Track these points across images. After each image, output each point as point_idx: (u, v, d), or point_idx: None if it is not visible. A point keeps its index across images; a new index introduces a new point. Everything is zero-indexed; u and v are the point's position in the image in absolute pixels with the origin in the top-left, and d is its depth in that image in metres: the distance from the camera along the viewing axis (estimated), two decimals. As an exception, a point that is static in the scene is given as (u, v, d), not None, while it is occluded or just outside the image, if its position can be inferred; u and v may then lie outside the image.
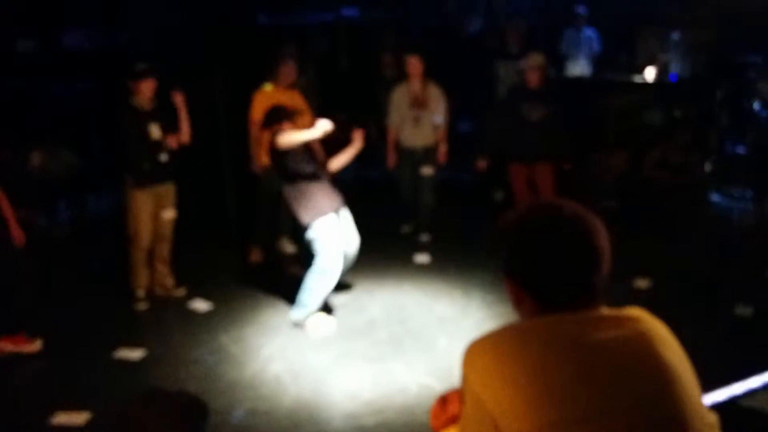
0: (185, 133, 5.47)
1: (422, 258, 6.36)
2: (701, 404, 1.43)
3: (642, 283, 5.63)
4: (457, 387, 1.58)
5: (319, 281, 4.81)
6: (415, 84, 6.46)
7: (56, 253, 6.37)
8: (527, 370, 1.35)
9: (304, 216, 4.80)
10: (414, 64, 6.39)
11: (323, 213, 4.80)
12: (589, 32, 9.23)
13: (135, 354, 4.70)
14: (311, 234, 4.81)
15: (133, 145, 5.20)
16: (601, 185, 7.79)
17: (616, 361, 1.37)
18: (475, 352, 1.43)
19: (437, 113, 6.49)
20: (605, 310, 1.47)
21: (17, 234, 4.58)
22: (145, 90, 5.20)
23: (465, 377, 1.44)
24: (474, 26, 10.53)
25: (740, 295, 5.30)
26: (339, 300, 5.49)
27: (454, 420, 1.72)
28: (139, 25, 8.03)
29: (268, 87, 6.09)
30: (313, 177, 4.84)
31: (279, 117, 4.91)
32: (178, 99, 5.41)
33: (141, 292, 5.45)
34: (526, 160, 6.44)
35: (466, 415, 1.45)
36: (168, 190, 5.44)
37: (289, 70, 6.09)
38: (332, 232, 4.81)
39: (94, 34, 8.51)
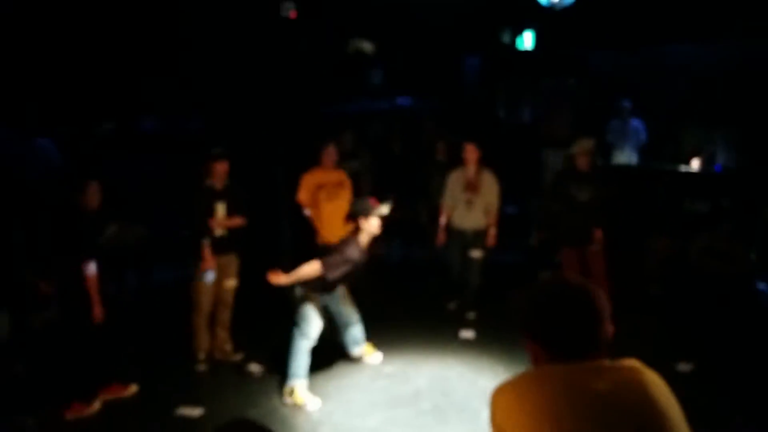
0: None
1: (467, 334, 6.57)
2: None
3: (685, 367, 5.71)
4: None
5: (300, 347, 5.13)
6: (471, 169, 6.81)
7: (124, 319, 6.76)
8: (542, 407, 1.68)
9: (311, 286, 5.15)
10: (471, 151, 6.75)
11: (328, 287, 5.19)
12: (635, 123, 9.51)
13: (195, 412, 5.01)
14: (304, 298, 5.17)
15: (200, 221, 5.62)
16: (648, 271, 7.92)
17: (616, 402, 1.68)
18: (500, 392, 1.79)
19: (489, 198, 6.78)
20: (607, 362, 1.79)
21: (98, 312, 4.98)
22: (219, 171, 5.66)
23: (492, 413, 1.77)
24: (523, 117, 10.98)
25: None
26: (386, 370, 5.73)
27: None
28: (211, 112, 8.67)
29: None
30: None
31: (366, 209, 5.16)
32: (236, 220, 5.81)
33: (202, 355, 5.81)
34: (576, 242, 6.63)
35: None
36: (230, 260, 5.83)
37: (329, 153, 6.61)
38: (320, 307, 5.23)
39: (169, 120, 9.19)
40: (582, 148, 6.55)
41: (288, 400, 5.13)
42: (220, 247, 5.73)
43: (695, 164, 8.81)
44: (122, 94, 8.90)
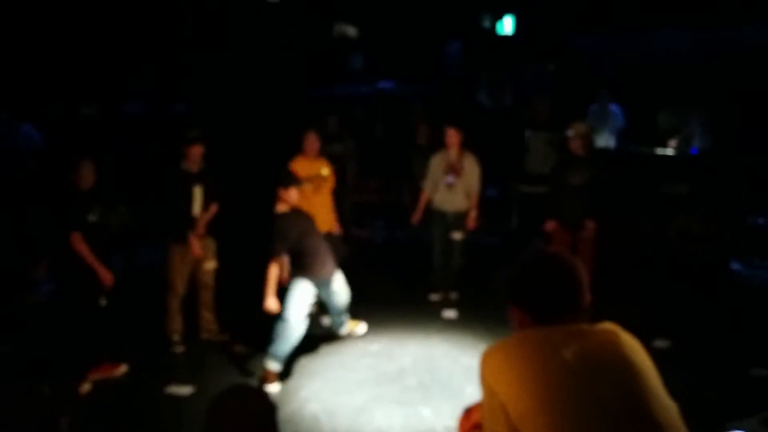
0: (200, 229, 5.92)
1: (450, 313, 6.71)
2: (665, 396, 1.85)
3: (662, 344, 5.88)
4: (479, 400, 2.00)
5: (287, 336, 5.24)
6: (453, 153, 6.88)
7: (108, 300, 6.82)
8: (528, 365, 1.81)
9: (296, 272, 5.35)
10: (452, 135, 6.81)
11: (312, 277, 5.36)
12: (613, 108, 9.66)
13: (184, 390, 5.10)
14: (294, 287, 5.33)
15: (176, 204, 5.71)
16: (625, 252, 8.08)
17: (594, 360, 1.82)
18: (490, 354, 1.91)
19: (471, 180, 6.86)
20: (586, 325, 1.93)
21: (106, 276, 5.11)
22: (195, 154, 5.73)
23: (482, 373, 1.90)
24: (504, 102, 11.10)
25: (758, 357, 5.52)
26: (371, 348, 5.85)
27: (477, 427, 2.12)
28: (193, 97, 8.68)
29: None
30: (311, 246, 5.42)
31: (288, 181, 5.47)
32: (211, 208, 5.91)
33: (176, 336, 5.87)
34: (569, 226, 6.66)
35: (483, 404, 1.90)
36: (207, 243, 5.91)
37: (311, 140, 6.63)
38: (308, 293, 5.35)
39: (152, 104, 9.19)
40: (577, 132, 6.59)
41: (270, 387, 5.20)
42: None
43: (671, 145, 8.97)
44: (106, 77, 8.89)
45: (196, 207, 5.80)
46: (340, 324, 5.95)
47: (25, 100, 8.14)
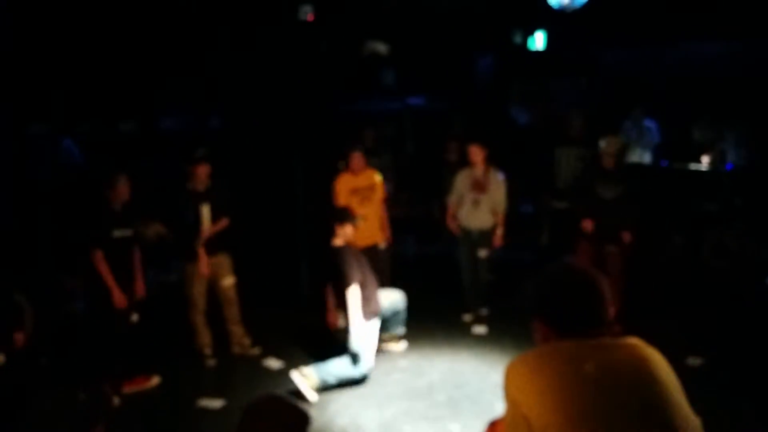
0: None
1: (479, 329, 6.70)
2: (688, 409, 1.86)
3: (694, 362, 5.80)
4: (502, 414, 2.03)
5: (347, 372, 5.34)
6: (478, 169, 6.85)
7: (144, 314, 6.94)
8: (551, 378, 1.84)
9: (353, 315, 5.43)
10: (475, 152, 6.79)
11: (368, 311, 5.45)
12: (648, 123, 9.57)
13: (215, 404, 5.18)
14: (356, 332, 5.41)
15: (186, 224, 5.81)
16: (658, 267, 8.01)
17: (617, 374, 1.85)
18: (513, 366, 1.95)
19: (497, 197, 6.83)
20: (609, 339, 1.95)
21: (119, 298, 5.20)
22: (201, 174, 5.83)
23: (506, 386, 1.93)
24: (536, 117, 11.08)
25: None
26: (401, 363, 5.89)
27: None
28: (230, 111, 8.82)
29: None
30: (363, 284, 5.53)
31: (343, 218, 5.66)
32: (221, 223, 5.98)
33: (207, 350, 5.98)
34: (596, 240, 6.58)
35: (506, 417, 1.93)
36: (222, 260, 5.99)
37: (358, 159, 6.70)
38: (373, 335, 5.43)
39: (187, 118, 9.36)
40: (611, 146, 6.48)
41: (297, 379, 5.27)
42: (211, 248, 5.89)
43: (705, 161, 8.86)
44: (142, 93, 9.08)
45: (205, 225, 5.89)
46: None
47: (66, 116, 8.35)
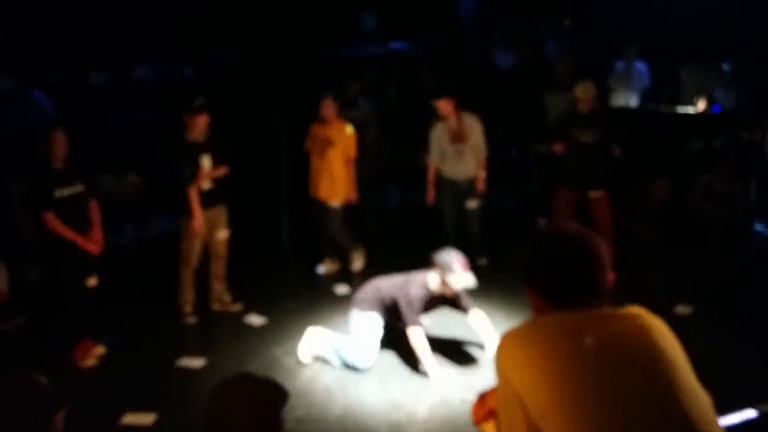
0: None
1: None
2: (695, 384, 1.70)
3: (683, 310, 5.74)
4: (493, 386, 1.88)
5: (350, 360, 4.99)
6: (452, 121, 6.63)
7: (120, 271, 6.77)
8: (546, 354, 1.67)
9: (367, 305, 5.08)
10: (443, 106, 6.56)
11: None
12: (639, 66, 9.37)
13: (196, 363, 5.04)
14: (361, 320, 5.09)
15: (184, 176, 5.53)
16: (645, 214, 7.92)
17: (619, 349, 1.67)
18: (505, 341, 1.78)
19: (477, 142, 6.65)
20: (609, 309, 1.77)
21: (88, 245, 4.99)
22: (200, 124, 5.55)
23: (497, 363, 1.77)
24: (522, 60, 10.78)
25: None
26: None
27: (492, 413, 2.00)
28: (202, 61, 8.51)
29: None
30: None
31: None
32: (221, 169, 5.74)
33: (188, 308, 5.77)
34: (576, 186, 6.57)
35: (498, 393, 1.77)
36: (219, 212, 5.78)
37: (327, 107, 6.44)
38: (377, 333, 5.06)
39: (161, 69, 9.03)
40: (584, 92, 6.44)
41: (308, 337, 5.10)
42: (208, 200, 5.66)
43: (701, 106, 8.70)
44: (113, 41, 8.73)
45: (205, 178, 5.65)
46: None
47: (34, 67, 8.01)
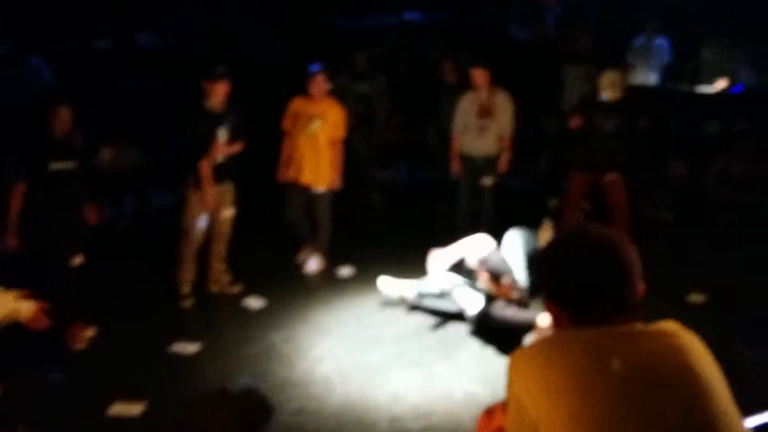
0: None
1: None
2: (736, 417, 1.48)
3: (697, 298, 5.56)
4: (502, 399, 1.67)
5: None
6: (483, 93, 6.42)
7: (119, 246, 6.61)
8: (567, 380, 1.45)
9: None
10: (479, 76, 6.36)
11: None
12: (660, 41, 9.05)
13: (189, 348, 4.85)
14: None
15: (199, 146, 5.30)
16: (661, 196, 7.69)
17: (650, 374, 1.45)
18: (521, 359, 1.55)
19: (504, 121, 6.46)
20: (640, 325, 1.54)
21: (8, 241, 4.75)
22: (220, 92, 5.26)
23: (510, 382, 1.55)
24: (540, 33, 10.45)
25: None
26: (389, 302, 5.56)
27: (499, 431, 1.80)
28: (212, 27, 8.25)
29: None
30: None
31: None
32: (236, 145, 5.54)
33: (186, 288, 5.52)
34: (593, 171, 6.40)
35: (509, 415, 1.56)
36: (227, 189, 5.53)
37: (318, 82, 5.90)
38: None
39: (166, 35, 8.78)
40: (608, 81, 6.22)
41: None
42: (219, 174, 5.41)
43: (721, 85, 8.40)
44: (117, 6, 8.49)
45: (220, 150, 5.41)
46: None
47: (33, 33, 7.79)
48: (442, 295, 5.29)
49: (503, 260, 5.26)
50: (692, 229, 7.11)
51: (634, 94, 8.34)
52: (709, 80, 8.61)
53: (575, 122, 6.36)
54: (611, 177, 6.37)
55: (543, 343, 1.56)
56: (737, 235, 6.83)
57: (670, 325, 1.55)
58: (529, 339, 4.71)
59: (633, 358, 1.45)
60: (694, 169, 7.78)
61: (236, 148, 5.48)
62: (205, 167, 5.27)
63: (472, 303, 5.09)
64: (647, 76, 9.04)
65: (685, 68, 8.99)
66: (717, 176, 7.50)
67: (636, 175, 6.80)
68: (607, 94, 6.24)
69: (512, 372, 1.54)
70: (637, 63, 9.08)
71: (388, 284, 5.53)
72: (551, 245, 1.68)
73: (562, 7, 10.16)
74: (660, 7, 9.15)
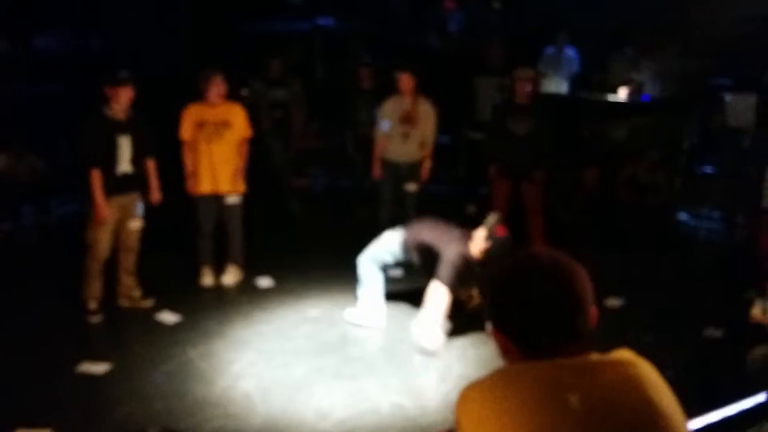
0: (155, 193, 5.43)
1: (397, 272, 6.26)
2: None
3: (614, 303, 5.65)
4: (446, 429, 1.56)
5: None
6: (407, 99, 6.44)
7: (18, 260, 6.21)
8: (522, 419, 1.35)
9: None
10: (406, 81, 6.38)
11: None
12: (570, 52, 9.29)
13: (99, 368, 4.56)
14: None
15: (93, 155, 5.02)
16: (575, 201, 7.86)
17: (608, 410, 1.37)
18: (468, 398, 1.44)
19: (427, 129, 6.48)
20: (595, 355, 1.46)
21: None
22: (123, 98, 5.02)
23: (458, 422, 1.44)
24: (451, 42, 10.55)
25: (710, 316, 5.32)
26: (311, 313, 5.44)
27: None
28: (113, 30, 7.91)
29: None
30: None
31: None
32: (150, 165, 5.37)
33: (94, 304, 5.22)
34: (511, 176, 6.48)
35: None
36: (132, 200, 5.28)
37: (216, 86, 5.62)
38: None
39: (66, 38, 8.38)
40: (523, 76, 6.33)
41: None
42: (124, 185, 5.16)
43: (622, 93, 8.70)
44: (13, 7, 8.01)
45: (123, 161, 5.12)
46: None
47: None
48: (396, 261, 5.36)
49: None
50: (605, 233, 7.26)
51: (545, 101, 8.57)
52: (616, 89, 8.88)
53: (492, 172, 6.55)
54: (529, 181, 6.45)
55: (493, 379, 1.45)
56: (646, 240, 7.02)
57: (626, 355, 1.48)
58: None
59: (591, 393, 1.37)
60: (604, 175, 7.99)
61: (152, 170, 5.38)
62: (97, 178, 5.00)
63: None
64: (559, 85, 9.26)
65: (593, 77, 9.26)
66: (624, 182, 7.73)
67: (552, 178, 6.91)
68: (519, 93, 6.33)
69: (461, 411, 1.44)
70: (548, 72, 9.29)
71: (354, 316, 5.32)
72: (498, 273, 1.57)
73: (462, 14, 10.30)
74: (570, 17, 9.39)
